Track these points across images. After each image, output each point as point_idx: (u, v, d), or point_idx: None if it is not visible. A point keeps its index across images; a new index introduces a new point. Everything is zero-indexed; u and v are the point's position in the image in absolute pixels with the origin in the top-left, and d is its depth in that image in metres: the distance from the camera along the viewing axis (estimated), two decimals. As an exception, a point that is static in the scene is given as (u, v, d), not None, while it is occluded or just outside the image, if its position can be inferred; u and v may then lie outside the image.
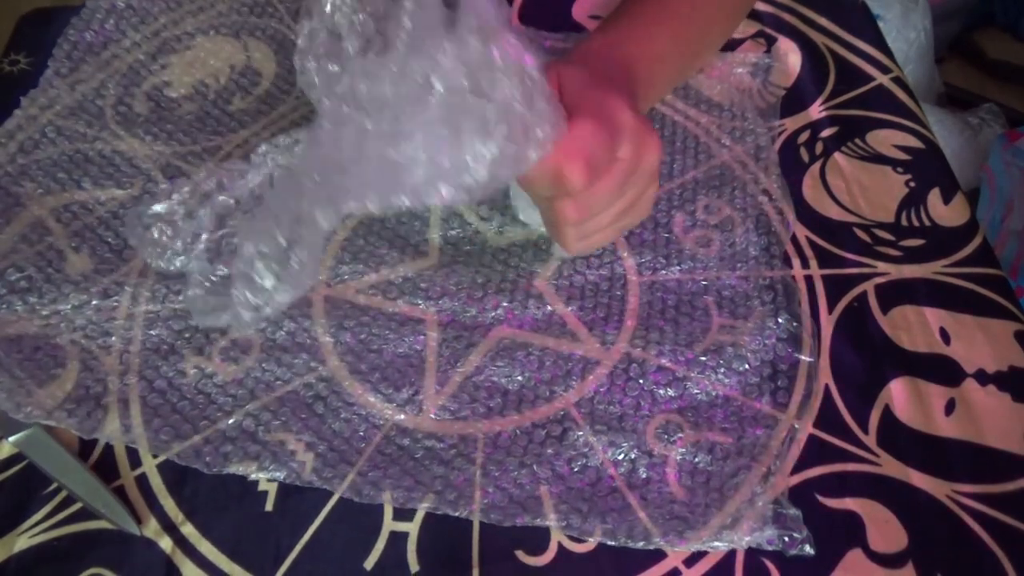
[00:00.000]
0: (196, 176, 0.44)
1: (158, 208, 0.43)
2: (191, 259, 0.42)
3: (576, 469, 0.43)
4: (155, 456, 0.43)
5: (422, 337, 0.47)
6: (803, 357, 0.47)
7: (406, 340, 0.47)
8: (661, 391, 0.45)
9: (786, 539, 0.40)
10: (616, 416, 0.44)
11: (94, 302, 0.48)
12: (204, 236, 0.42)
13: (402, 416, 0.44)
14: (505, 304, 0.48)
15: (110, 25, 0.63)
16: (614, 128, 0.39)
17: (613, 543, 0.40)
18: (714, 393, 0.45)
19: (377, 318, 0.48)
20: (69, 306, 0.47)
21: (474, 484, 0.42)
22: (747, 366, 0.46)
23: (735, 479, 0.42)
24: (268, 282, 0.39)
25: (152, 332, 0.47)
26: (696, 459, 0.43)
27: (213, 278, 0.41)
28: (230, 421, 0.44)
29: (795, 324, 0.48)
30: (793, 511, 0.41)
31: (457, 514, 0.41)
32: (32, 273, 0.49)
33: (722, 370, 0.46)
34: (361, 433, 0.44)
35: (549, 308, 0.49)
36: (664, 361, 0.47)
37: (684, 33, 0.51)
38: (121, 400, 0.44)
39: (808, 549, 0.40)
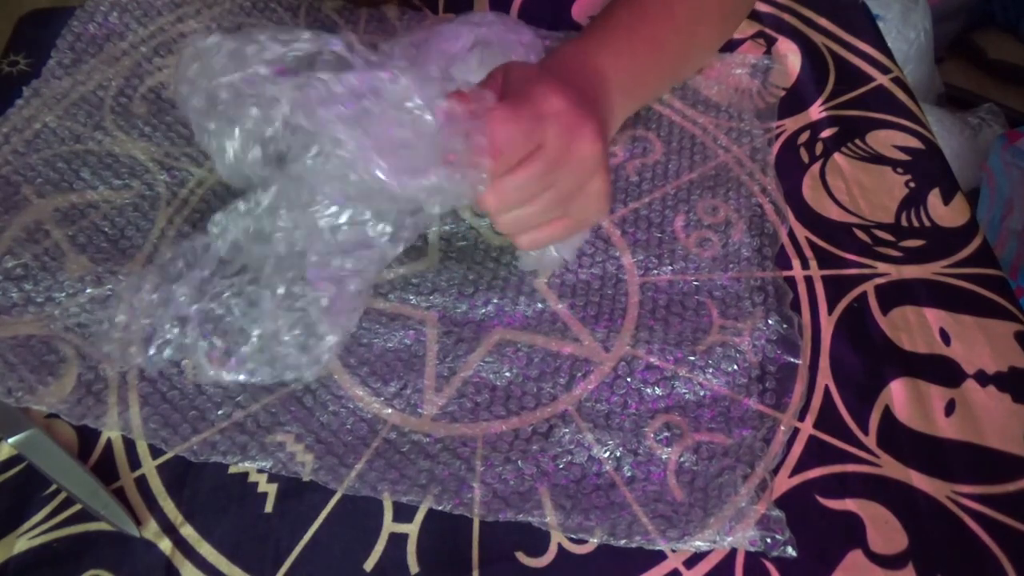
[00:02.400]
0: (160, 260, 0.45)
1: (133, 303, 0.44)
2: (181, 345, 0.43)
3: (573, 467, 0.43)
4: (154, 456, 0.43)
5: (412, 332, 0.47)
6: (792, 359, 0.47)
7: (396, 335, 0.47)
8: (649, 390, 0.45)
9: (768, 540, 0.40)
10: (603, 414, 0.45)
11: (88, 290, 0.47)
12: (194, 309, 0.43)
13: (399, 418, 0.44)
14: (496, 301, 0.49)
15: (113, 18, 0.63)
16: (537, 115, 0.38)
17: (604, 541, 0.40)
18: (702, 393, 0.45)
19: (368, 312, 0.48)
20: (64, 294, 0.47)
21: (473, 483, 0.42)
22: (736, 367, 0.46)
23: (720, 479, 0.42)
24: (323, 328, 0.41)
25: (151, 326, 0.46)
26: (682, 458, 0.43)
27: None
28: (229, 420, 0.44)
29: (785, 326, 0.48)
30: (776, 512, 0.41)
31: (457, 512, 0.41)
32: (28, 261, 0.49)
33: (711, 370, 0.46)
34: (356, 431, 0.44)
35: (540, 305, 0.49)
36: (654, 360, 0.47)
37: (663, 38, 0.50)
38: (120, 396, 0.44)
39: (790, 551, 0.40)
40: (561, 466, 0.43)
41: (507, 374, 0.46)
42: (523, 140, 0.38)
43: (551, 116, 0.39)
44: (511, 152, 0.38)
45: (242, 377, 0.43)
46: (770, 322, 0.48)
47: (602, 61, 0.46)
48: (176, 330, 0.43)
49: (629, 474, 0.43)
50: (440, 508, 0.41)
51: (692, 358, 0.47)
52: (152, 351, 0.43)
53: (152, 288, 0.44)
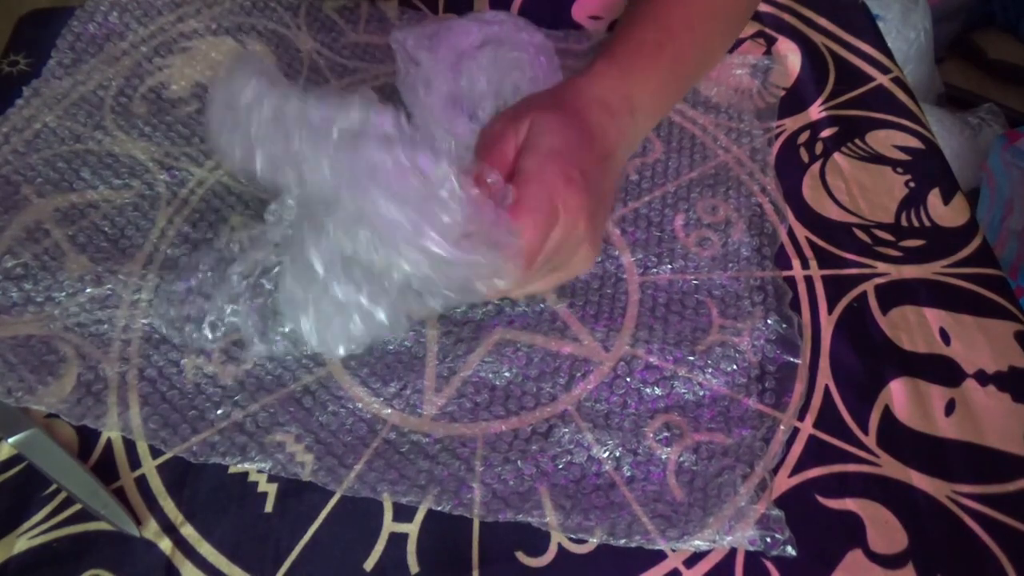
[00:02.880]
0: (217, 244, 0.47)
1: (192, 283, 0.46)
2: (239, 319, 0.45)
3: (572, 467, 0.43)
4: (154, 456, 0.43)
5: (412, 333, 0.47)
6: (792, 359, 0.47)
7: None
8: (648, 389, 0.45)
9: (768, 540, 0.40)
10: (603, 414, 0.45)
11: (88, 290, 0.47)
12: (245, 284, 0.44)
13: (399, 418, 0.44)
14: (495, 300, 0.48)
15: (113, 18, 0.63)
16: (554, 218, 0.40)
17: (603, 540, 0.40)
18: (702, 393, 0.45)
19: None
20: (64, 294, 0.47)
21: (473, 484, 0.42)
22: (735, 366, 0.46)
23: (720, 479, 0.42)
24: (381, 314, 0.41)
25: (150, 325, 0.47)
26: (682, 458, 0.43)
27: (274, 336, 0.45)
28: (228, 420, 0.44)
29: (785, 326, 0.48)
30: (776, 512, 0.41)
31: (457, 512, 0.41)
32: (28, 261, 0.49)
33: (710, 370, 0.46)
34: (355, 431, 0.44)
35: (540, 305, 0.49)
36: (653, 359, 0.47)
37: (684, 57, 0.50)
38: (120, 397, 0.44)
39: (790, 550, 0.40)
40: (561, 466, 0.43)
41: (507, 374, 0.46)
42: (544, 243, 0.40)
43: (564, 213, 0.40)
44: (536, 256, 0.40)
45: (281, 348, 0.45)
46: (769, 322, 0.48)
47: (631, 81, 0.47)
48: (231, 307, 0.45)
49: (629, 474, 0.43)
50: (440, 509, 0.41)
51: (692, 358, 0.47)
52: (206, 329, 0.45)
53: (209, 267, 0.45)
